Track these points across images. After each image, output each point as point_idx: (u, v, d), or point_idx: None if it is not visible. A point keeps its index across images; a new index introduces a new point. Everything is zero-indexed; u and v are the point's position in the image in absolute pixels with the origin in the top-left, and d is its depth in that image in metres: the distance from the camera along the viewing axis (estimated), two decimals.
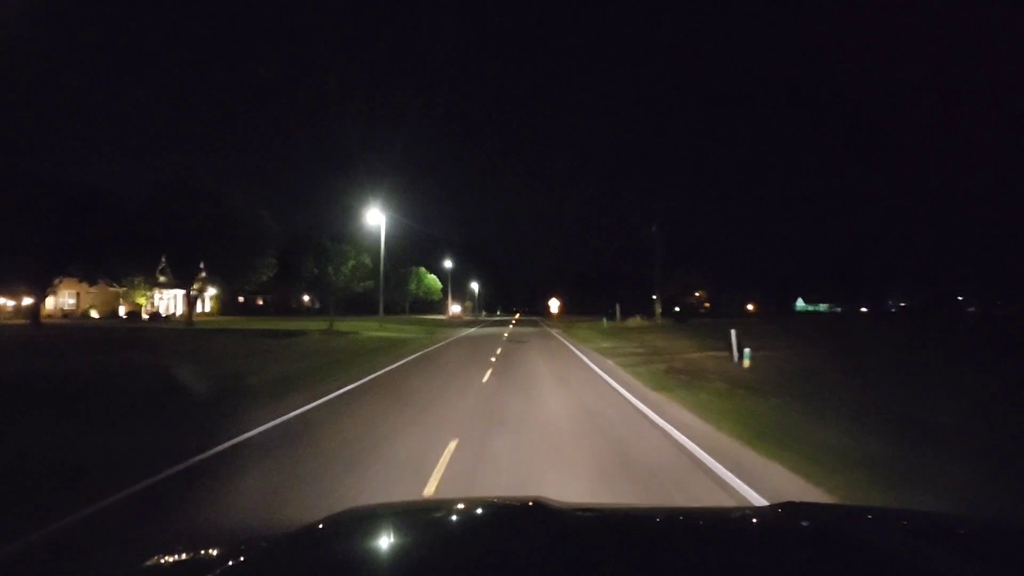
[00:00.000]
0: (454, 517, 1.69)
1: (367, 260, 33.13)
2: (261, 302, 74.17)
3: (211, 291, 55.48)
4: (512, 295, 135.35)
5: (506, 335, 29.81)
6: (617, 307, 42.00)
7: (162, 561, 1.35)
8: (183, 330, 27.40)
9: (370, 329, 32.35)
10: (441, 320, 58.05)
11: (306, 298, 75.23)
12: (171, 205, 27.37)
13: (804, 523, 1.47)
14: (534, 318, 79.11)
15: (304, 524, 1.43)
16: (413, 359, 16.25)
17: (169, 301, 48.03)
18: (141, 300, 36.34)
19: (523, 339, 25.72)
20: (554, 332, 33.51)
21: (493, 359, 15.76)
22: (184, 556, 1.45)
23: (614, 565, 1.12)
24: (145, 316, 37.00)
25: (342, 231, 33.40)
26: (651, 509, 2.37)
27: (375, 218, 33.78)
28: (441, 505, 2.35)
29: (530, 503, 1.65)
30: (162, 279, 40.65)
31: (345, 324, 35.87)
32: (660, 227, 40.86)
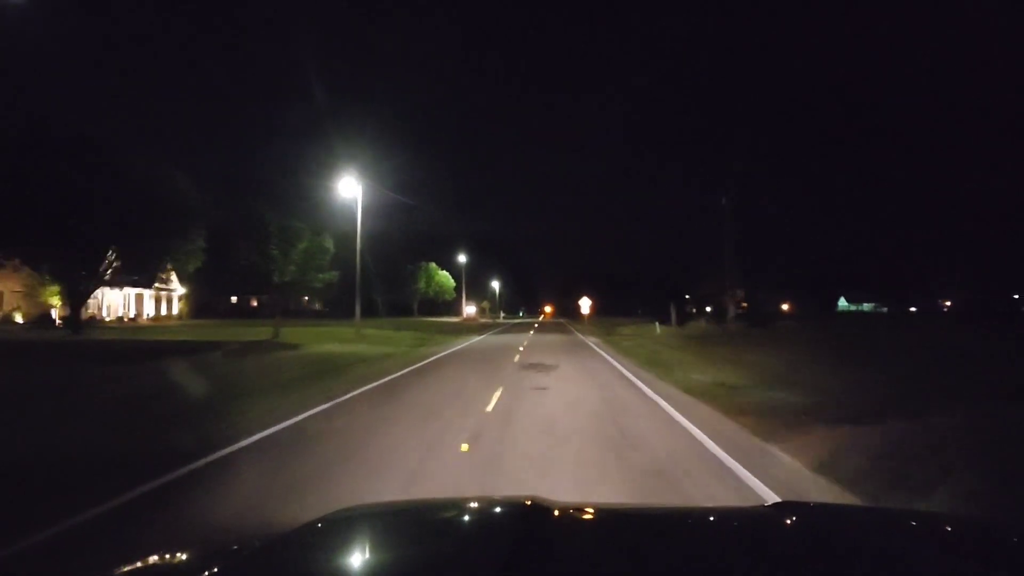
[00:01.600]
0: (451, 516, 1.68)
1: (328, 244, 23.79)
2: (255, 303, 66.47)
3: (179, 290, 47.66)
4: (537, 294, 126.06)
5: (522, 349, 20.25)
6: (672, 308, 31.92)
7: (153, 562, 1.33)
8: (46, 342, 18.70)
9: (336, 338, 23.13)
10: (450, 323, 48.88)
11: (306, 298, 67.36)
12: (28, 156, 18.56)
13: (800, 523, 1.45)
14: (560, 320, 69.45)
15: (299, 524, 1.39)
16: (289, 428, 6.89)
17: (117, 301, 40.06)
18: (53, 300, 28.17)
19: (547, 361, 16.02)
20: (592, 343, 23.71)
21: (465, 447, 6.29)
22: (177, 557, 1.42)
23: (611, 565, 1.11)
24: (59, 321, 28.84)
25: (315, 215, 24.40)
26: (648, 509, 2.29)
27: (350, 190, 24.70)
28: (438, 504, 2.29)
29: (527, 502, 1.61)
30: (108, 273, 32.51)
31: (304, 332, 26.75)
32: (731, 199, 30.03)
